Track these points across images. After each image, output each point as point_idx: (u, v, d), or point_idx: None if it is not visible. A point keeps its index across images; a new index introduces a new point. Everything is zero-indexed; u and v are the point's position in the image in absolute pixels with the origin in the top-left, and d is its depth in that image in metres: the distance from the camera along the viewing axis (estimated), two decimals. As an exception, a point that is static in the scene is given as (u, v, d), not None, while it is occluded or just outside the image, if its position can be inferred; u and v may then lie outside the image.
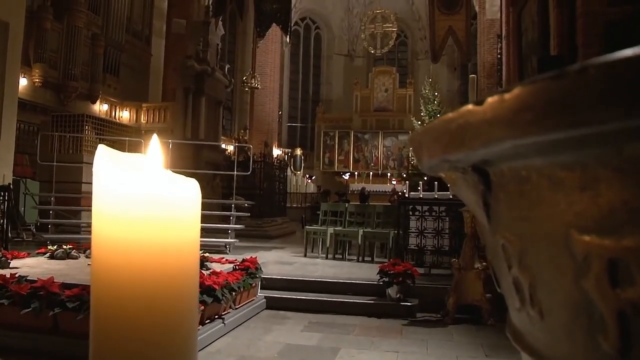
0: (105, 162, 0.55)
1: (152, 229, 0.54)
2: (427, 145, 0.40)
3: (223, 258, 7.32)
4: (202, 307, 5.04)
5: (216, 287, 5.31)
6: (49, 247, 7.26)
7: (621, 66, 0.21)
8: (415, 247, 8.13)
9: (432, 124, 0.36)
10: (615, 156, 0.25)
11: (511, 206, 0.38)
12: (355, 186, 26.12)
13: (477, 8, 19.05)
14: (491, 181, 0.39)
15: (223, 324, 5.44)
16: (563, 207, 0.31)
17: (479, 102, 0.29)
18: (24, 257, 6.72)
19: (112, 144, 13.07)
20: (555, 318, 0.36)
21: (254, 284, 6.54)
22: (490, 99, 0.28)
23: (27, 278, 4.98)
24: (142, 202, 0.53)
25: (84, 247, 7.60)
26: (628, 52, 0.21)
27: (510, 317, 0.46)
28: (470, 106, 0.30)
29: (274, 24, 20.47)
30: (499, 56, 14.85)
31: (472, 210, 0.47)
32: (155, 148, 0.57)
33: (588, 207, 0.29)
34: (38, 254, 7.15)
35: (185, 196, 0.56)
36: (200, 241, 0.58)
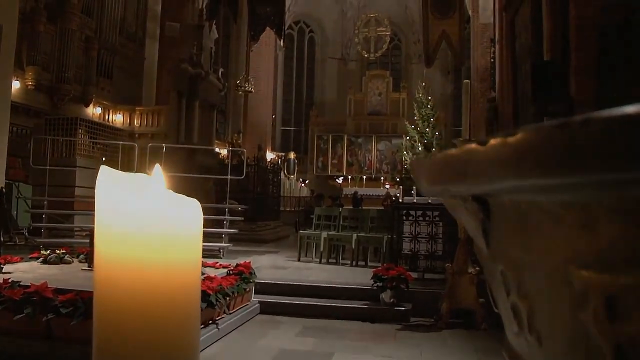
0: (108, 184, 0.55)
1: (154, 250, 0.55)
2: (429, 173, 0.41)
3: (217, 262, 7.32)
4: (196, 312, 5.03)
5: (210, 292, 5.31)
6: (42, 251, 7.23)
7: (623, 122, 0.22)
8: (409, 252, 8.14)
9: (436, 156, 0.37)
10: (614, 198, 0.26)
11: (510, 235, 0.39)
12: (349, 190, 26.11)
13: (470, 12, 19.10)
14: (491, 210, 0.40)
15: (217, 329, 5.44)
16: (562, 241, 0.32)
17: (483, 142, 0.30)
18: (17, 262, 6.69)
19: (105, 148, 12.99)
20: (553, 346, 0.36)
21: (248, 289, 6.54)
22: (493, 141, 0.29)
23: (20, 283, 4.95)
24: (145, 224, 0.54)
25: (78, 251, 7.58)
26: (630, 109, 0.22)
27: (508, 340, 0.47)
28: (473, 145, 0.31)
29: (267, 28, 20.47)
30: (492, 60, 14.88)
31: (472, 235, 0.48)
32: (159, 172, 0.57)
33: (587, 243, 0.30)
34: (31, 259, 7.11)
35: (187, 218, 0.57)
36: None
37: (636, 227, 0.26)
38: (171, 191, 0.57)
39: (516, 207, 0.35)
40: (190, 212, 0.58)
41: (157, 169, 0.57)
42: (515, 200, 0.35)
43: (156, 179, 0.57)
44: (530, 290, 0.38)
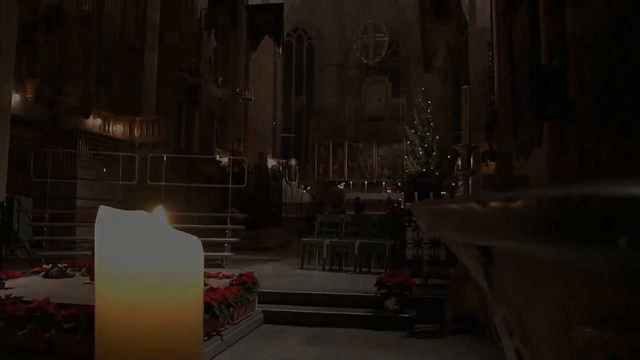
0: (107, 224, 0.55)
1: (155, 291, 0.55)
2: (428, 220, 0.41)
3: (220, 272, 7.31)
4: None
5: (214, 303, 5.30)
6: (44, 265, 7.22)
7: (624, 202, 0.22)
8: (412, 258, 8.13)
9: (434, 206, 0.37)
10: (616, 266, 0.26)
11: (513, 282, 0.39)
12: (351, 195, 26.09)
13: (467, 17, 19.13)
14: (493, 255, 0.40)
15: (221, 340, 5.42)
16: (564, 295, 0.32)
17: (482, 203, 0.30)
18: (18, 277, 6.69)
19: (106, 158, 12.96)
20: (558, 394, 0.36)
21: (251, 299, 6.52)
22: (494, 203, 0.29)
23: (23, 299, 4.95)
24: (145, 266, 0.54)
25: (80, 264, 7.56)
26: (632, 190, 0.22)
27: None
28: (473, 204, 0.31)
29: (266, 36, 20.53)
30: (490, 64, 14.93)
31: (474, 275, 0.48)
32: (160, 211, 0.57)
33: (589, 301, 0.30)
34: (33, 273, 7.10)
35: (187, 257, 0.57)
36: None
37: (636, 293, 0.26)
38: (172, 228, 0.57)
39: (518, 258, 0.35)
40: (190, 252, 0.58)
41: (159, 209, 0.57)
42: (517, 251, 0.34)
43: (157, 217, 0.57)
44: (533, 338, 0.38)
